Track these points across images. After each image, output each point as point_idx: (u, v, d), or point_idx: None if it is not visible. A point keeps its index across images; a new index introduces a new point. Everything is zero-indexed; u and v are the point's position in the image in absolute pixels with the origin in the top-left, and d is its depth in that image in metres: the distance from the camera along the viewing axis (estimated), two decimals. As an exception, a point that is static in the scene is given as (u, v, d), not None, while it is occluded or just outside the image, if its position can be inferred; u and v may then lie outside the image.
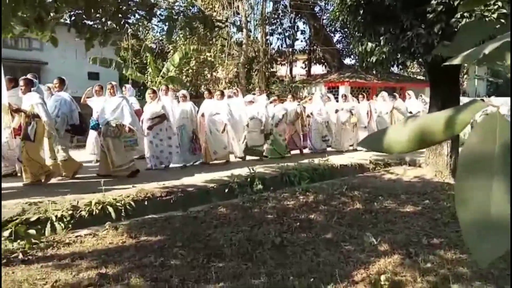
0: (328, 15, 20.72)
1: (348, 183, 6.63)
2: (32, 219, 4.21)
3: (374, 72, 16.27)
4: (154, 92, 7.43)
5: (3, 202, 4.58)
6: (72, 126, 6.25)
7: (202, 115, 8.16)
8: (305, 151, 10.09)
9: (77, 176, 6.51)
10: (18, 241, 3.75)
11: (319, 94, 11.32)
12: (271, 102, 9.57)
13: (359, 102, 11.20)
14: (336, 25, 22.67)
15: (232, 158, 8.68)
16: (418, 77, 23.55)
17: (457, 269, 3.33)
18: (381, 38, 6.18)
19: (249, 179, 6.46)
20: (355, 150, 10.41)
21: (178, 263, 3.42)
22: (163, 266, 3.36)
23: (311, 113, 10.19)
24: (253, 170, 6.74)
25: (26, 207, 4.45)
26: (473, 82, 22.92)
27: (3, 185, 5.05)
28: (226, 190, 6.07)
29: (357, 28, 6.63)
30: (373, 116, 11.12)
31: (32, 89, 5.70)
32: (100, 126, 6.61)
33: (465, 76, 22.92)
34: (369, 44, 6.35)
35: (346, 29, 21.44)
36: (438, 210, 5.11)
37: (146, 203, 5.21)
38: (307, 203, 5.46)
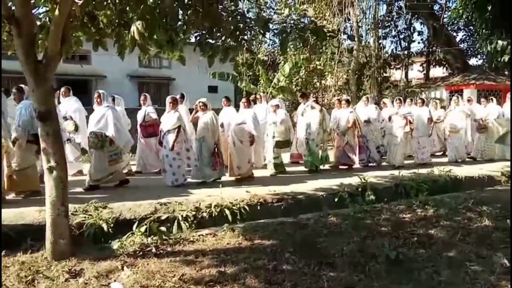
0: (449, 13, 19.10)
1: (475, 197, 5.99)
2: (162, 218, 4.78)
3: (506, 72, 14.46)
4: (174, 100, 6.84)
5: (140, 201, 5.31)
6: (35, 136, 5.44)
7: (222, 125, 7.47)
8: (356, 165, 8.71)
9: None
10: (152, 236, 4.28)
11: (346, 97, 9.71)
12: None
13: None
14: (459, 23, 20.78)
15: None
16: None
17: None
18: (514, 34, 5.52)
19: (360, 189, 6.31)
20: (422, 164, 8.86)
21: (290, 268, 3.51)
22: (276, 269, 3.49)
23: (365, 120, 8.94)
24: (364, 179, 6.56)
25: (158, 206, 5.07)
26: None
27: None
28: (336, 199, 6.03)
29: (484, 25, 6.09)
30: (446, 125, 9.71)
31: None
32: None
33: None
34: (499, 42, 5.77)
35: (471, 27, 19.54)
36: None
37: (258, 208, 5.49)
38: (426, 217, 5.09)
